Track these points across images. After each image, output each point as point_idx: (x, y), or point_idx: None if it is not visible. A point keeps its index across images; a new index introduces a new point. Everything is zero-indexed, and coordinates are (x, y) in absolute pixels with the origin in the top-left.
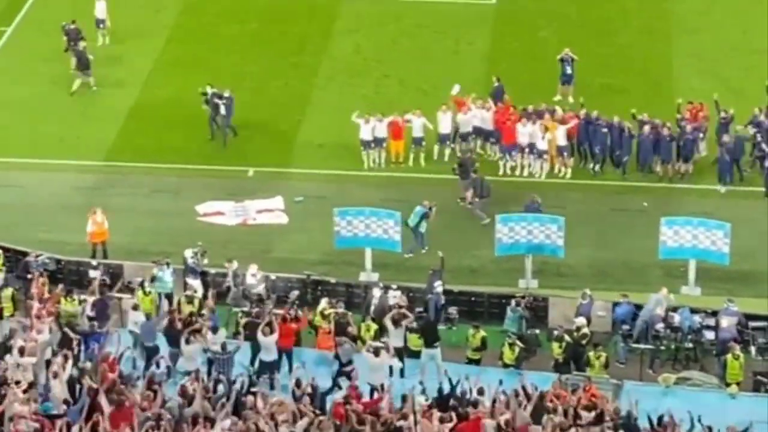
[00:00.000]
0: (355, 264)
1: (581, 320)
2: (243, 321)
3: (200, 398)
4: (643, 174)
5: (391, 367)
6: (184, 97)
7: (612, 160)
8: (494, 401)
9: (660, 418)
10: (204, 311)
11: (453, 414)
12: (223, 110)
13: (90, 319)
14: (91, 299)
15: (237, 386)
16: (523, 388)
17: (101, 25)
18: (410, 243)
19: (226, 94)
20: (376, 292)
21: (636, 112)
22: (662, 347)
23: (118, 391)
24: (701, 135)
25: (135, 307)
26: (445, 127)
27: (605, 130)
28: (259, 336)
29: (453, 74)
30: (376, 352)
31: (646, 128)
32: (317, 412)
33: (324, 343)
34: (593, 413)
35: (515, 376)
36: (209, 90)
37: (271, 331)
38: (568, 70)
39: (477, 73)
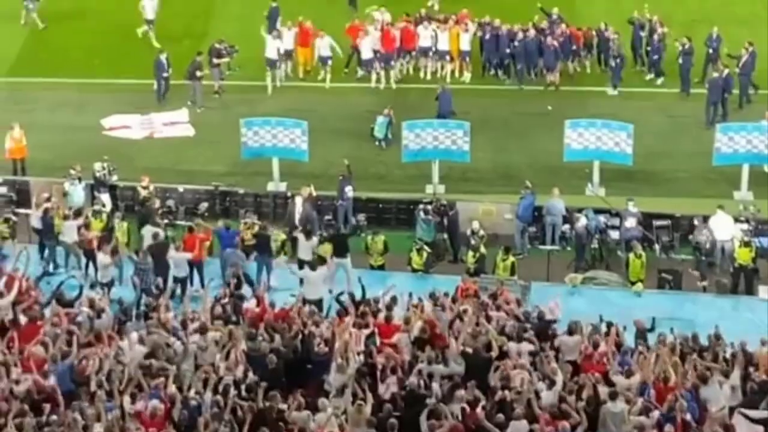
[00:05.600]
0: (263, 174)
1: (476, 224)
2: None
3: (109, 311)
4: (534, 79)
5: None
6: (86, 10)
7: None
8: (408, 309)
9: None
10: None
11: (368, 320)
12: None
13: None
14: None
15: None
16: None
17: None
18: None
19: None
20: (298, 200)
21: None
22: (569, 248)
23: (30, 307)
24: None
25: (66, 218)
26: (366, 52)
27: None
28: (171, 252)
29: None
30: (312, 266)
31: (531, 32)
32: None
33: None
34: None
35: (424, 280)
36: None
37: (184, 248)
38: None
39: None
